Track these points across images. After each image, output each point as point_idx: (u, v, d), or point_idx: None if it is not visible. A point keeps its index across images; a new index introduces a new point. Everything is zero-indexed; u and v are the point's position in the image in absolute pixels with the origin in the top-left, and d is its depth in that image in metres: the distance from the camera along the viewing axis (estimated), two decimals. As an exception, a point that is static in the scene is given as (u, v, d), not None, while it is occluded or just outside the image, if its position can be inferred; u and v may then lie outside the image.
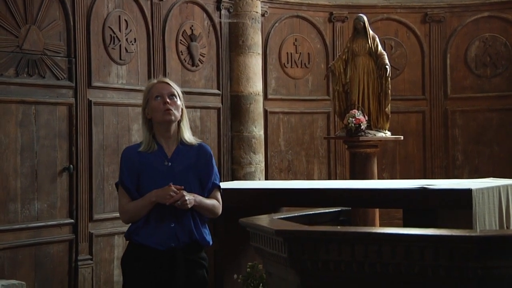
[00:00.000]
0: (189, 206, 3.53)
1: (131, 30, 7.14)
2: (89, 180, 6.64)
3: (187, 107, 7.84)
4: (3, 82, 5.99)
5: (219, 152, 8.02)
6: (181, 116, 3.65)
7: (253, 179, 8.09)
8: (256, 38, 8.33)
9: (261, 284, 4.83)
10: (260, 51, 8.40)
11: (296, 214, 3.79)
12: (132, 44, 7.15)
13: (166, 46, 7.51)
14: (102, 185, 6.78)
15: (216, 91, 8.09)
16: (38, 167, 6.24)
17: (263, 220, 3.64)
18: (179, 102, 3.62)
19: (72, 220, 6.51)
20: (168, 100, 3.57)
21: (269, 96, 8.70)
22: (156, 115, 3.59)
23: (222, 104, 8.13)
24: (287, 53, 8.90)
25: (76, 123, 6.54)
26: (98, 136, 6.76)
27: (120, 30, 7.04)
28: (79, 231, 6.56)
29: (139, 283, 3.57)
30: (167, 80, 3.71)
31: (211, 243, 3.70)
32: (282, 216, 3.69)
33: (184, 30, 7.75)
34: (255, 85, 8.29)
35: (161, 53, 7.43)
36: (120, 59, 7.04)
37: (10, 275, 5.89)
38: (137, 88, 7.15)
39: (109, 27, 6.93)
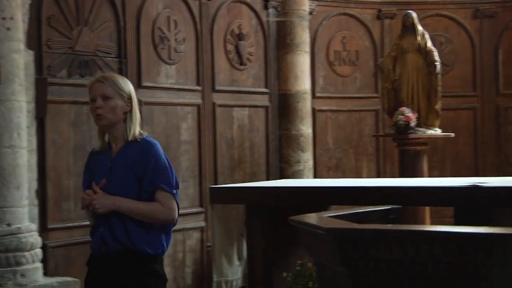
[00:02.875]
0: (101, 210, 3.25)
1: (180, 30, 7.20)
2: (138, 179, 6.72)
3: (235, 106, 7.93)
4: (56, 83, 6.10)
5: (268, 150, 8.04)
6: (130, 112, 3.35)
7: (302, 178, 8.09)
8: (303, 36, 8.32)
9: (310, 283, 4.83)
10: (307, 49, 8.39)
11: (345, 212, 3.78)
12: (181, 44, 7.21)
13: (214, 45, 7.56)
14: (153, 184, 6.85)
15: (264, 90, 8.11)
16: (90, 167, 6.34)
17: (313, 218, 3.61)
18: (114, 102, 3.29)
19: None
20: (98, 104, 3.29)
21: (317, 94, 8.68)
22: (93, 118, 3.39)
23: (270, 102, 8.14)
24: (335, 51, 8.87)
25: (127, 123, 6.62)
26: (148, 135, 6.81)
27: (169, 30, 7.10)
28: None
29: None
30: (104, 78, 3.36)
31: (153, 252, 3.29)
32: (332, 214, 3.68)
33: (232, 29, 7.78)
34: (303, 83, 8.29)
35: (209, 53, 7.48)
36: (169, 59, 7.11)
37: (64, 272, 6.00)
38: (186, 87, 7.23)
39: (158, 27, 7.01)
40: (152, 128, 6.89)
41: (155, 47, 6.97)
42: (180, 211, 7.11)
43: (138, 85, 6.75)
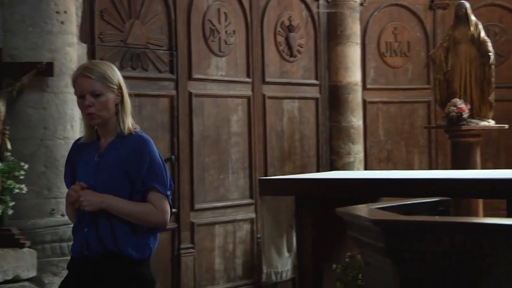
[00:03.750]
0: (88, 208, 3.00)
1: (230, 23, 7.24)
2: (190, 170, 6.80)
3: (285, 98, 7.93)
4: (108, 76, 6.19)
5: (318, 142, 8.03)
6: (121, 102, 3.11)
7: (352, 170, 8.06)
8: (354, 28, 8.27)
9: (360, 274, 4.82)
10: (358, 40, 8.34)
11: (393, 204, 3.76)
12: (231, 36, 7.25)
13: (265, 37, 7.57)
14: (203, 175, 6.92)
15: (314, 82, 8.09)
16: (142, 158, 6.43)
17: (360, 209, 3.60)
18: (106, 98, 3.05)
19: (175, 210, 6.68)
20: (88, 102, 3.04)
21: (368, 86, 8.62)
22: (82, 116, 3.16)
23: (320, 94, 8.12)
24: (386, 42, 8.79)
25: (178, 115, 6.71)
26: (199, 127, 6.90)
27: (219, 23, 7.15)
28: (181, 220, 6.73)
29: None
30: (90, 71, 3.07)
31: (140, 256, 3.06)
32: (379, 206, 3.67)
33: (282, 21, 7.78)
34: (354, 75, 8.24)
35: (259, 45, 7.50)
36: (220, 51, 7.15)
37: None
38: (236, 79, 7.26)
39: (208, 20, 7.05)
40: (203, 120, 6.95)
41: (205, 39, 7.02)
42: (231, 203, 7.20)
43: (188, 77, 6.82)
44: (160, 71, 6.62)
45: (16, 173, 5.14)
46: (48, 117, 5.45)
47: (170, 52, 6.70)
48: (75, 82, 3.11)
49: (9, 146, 5.26)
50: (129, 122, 3.12)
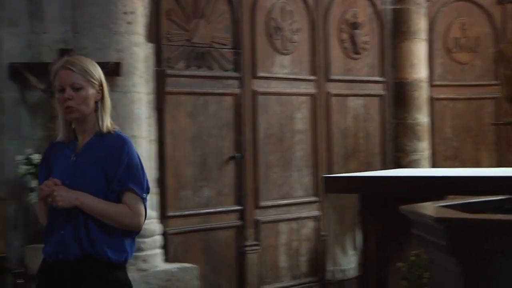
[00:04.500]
0: (61, 204, 2.84)
1: (294, 21, 7.25)
2: (254, 168, 6.84)
3: (350, 95, 7.90)
4: (174, 75, 6.29)
5: (383, 140, 7.97)
6: (101, 100, 2.98)
7: (418, 167, 7.96)
8: (420, 24, 8.17)
9: (425, 273, 4.78)
10: (424, 36, 8.23)
11: (458, 202, 3.72)
12: (296, 34, 7.26)
13: (329, 35, 7.55)
14: (267, 173, 6.96)
15: (379, 79, 8.03)
16: (207, 156, 6.52)
17: (424, 207, 3.57)
18: (86, 92, 2.93)
19: (240, 207, 6.74)
20: (68, 95, 2.91)
21: (434, 82, 8.49)
22: (60, 110, 2.99)
23: (385, 91, 8.06)
24: (453, 38, 8.65)
25: (242, 113, 6.76)
26: (263, 125, 6.94)
27: (284, 21, 7.16)
28: (246, 218, 6.78)
29: None
30: (72, 63, 2.95)
31: (117, 258, 2.92)
32: (444, 204, 3.63)
33: (347, 18, 7.75)
34: (420, 71, 8.14)
35: (323, 42, 7.49)
36: (284, 49, 7.17)
37: (183, 258, 6.20)
38: (301, 77, 7.27)
39: (273, 18, 7.08)
40: (267, 118, 6.98)
41: (269, 37, 7.05)
42: (295, 200, 7.22)
43: (253, 76, 6.87)
44: (225, 70, 6.68)
45: (85, 171, 5.25)
46: (116, 116, 5.49)
47: (234, 51, 6.75)
48: (56, 74, 2.97)
49: (78, 144, 5.38)
50: (108, 121, 2.99)
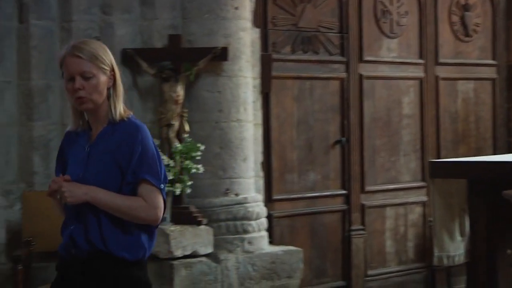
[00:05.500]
0: (70, 200, 2.71)
1: (402, 3, 7.13)
2: (360, 152, 6.81)
3: (459, 79, 7.71)
4: (280, 59, 6.33)
5: (494, 124, 7.74)
6: (113, 86, 2.82)
7: (532, 153, 7.70)
8: (535, 4, 7.87)
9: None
10: (540, 17, 7.93)
11: None
12: (404, 17, 7.14)
13: (438, 17, 7.38)
14: (373, 158, 6.91)
15: (491, 62, 7.79)
16: (313, 140, 6.54)
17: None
18: (97, 80, 2.75)
19: (345, 191, 6.72)
20: (79, 85, 2.74)
21: (550, 65, 8.17)
22: (70, 100, 2.83)
23: (497, 75, 7.81)
24: None
25: (348, 97, 6.73)
26: (369, 109, 6.88)
27: (391, 4, 7.06)
28: (352, 202, 6.76)
29: None
30: (80, 50, 2.77)
31: (132, 257, 2.77)
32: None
33: (457, 0, 7.56)
34: (534, 53, 7.85)
35: (432, 25, 7.33)
36: (391, 32, 7.07)
37: (288, 241, 6.26)
38: (408, 61, 7.16)
39: (380, 1, 6.99)
40: (373, 102, 6.92)
41: (377, 21, 6.97)
42: (402, 185, 7.14)
43: (359, 60, 6.82)
44: (331, 54, 6.66)
45: (193, 154, 5.38)
46: (223, 100, 5.66)
47: (341, 35, 6.72)
48: (63, 62, 2.79)
49: (187, 128, 5.52)
50: (121, 108, 2.82)
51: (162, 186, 2.80)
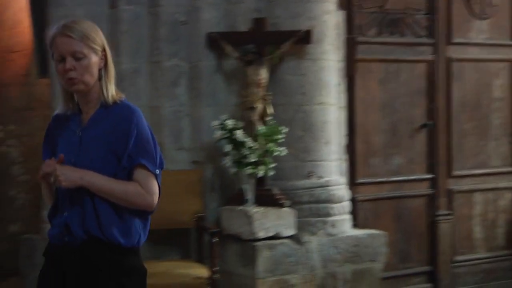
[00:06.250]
0: (65, 184, 2.61)
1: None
2: (447, 136, 6.68)
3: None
4: (365, 42, 6.27)
5: None
6: (105, 67, 2.73)
7: None
8: None
9: None
10: None
11: None
12: (495, -2, 6.95)
13: (532, -3, 7.14)
14: (461, 142, 6.77)
15: None
16: (398, 123, 6.47)
17: None
18: (88, 61, 2.67)
19: (431, 175, 6.63)
20: (70, 66, 2.64)
21: None
22: (61, 81, 2.73)
23: None
24: None
25: (435, 80, 6.61)
26: (458, 92, 6.74)
27: (482, -16, 6.88)
28: (438, 187, 6.66)
29: (38, 284, 2.82)
30: (70, 29, 2.66)
31: (128, 243, 2.71)
32: None
33: (553, -22, 7.28)
34: None
35: (525, 6, 7.10)
36: (483, 13, 6.88)
37: (372, 225, 6.23)
38: (500, 42, 6.97)
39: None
40: (462, 85, 6.77)
41: (467, 2, 6.80)
42: (492, 170, 6.98)
43: (447, 42, 6.68)
44: (418, 36, 6.55)
45: (276, 137, 5.42)
46: (306, 83, 5.67)
47: (428, 16, 6.59)
48: (52, 42, 2.68)
49: (270, 111, 5.56)
50: (113, 90, 2.73)
51: (157, 171, 2.73)
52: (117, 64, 5.42)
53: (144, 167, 2.69)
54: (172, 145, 5.60)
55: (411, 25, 6.50)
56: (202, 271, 5.08)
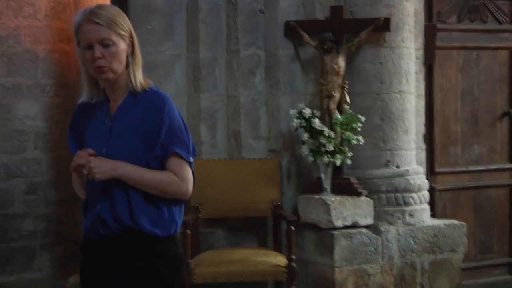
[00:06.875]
0: (98, 176, 2.54)
1: None
2: (529, 124, 6.52)
3: None
4: (445, 29, 6.16)
5: None
6: (132, 53, 2.64)
7: None
8: None
9: None
10: None
11: None
12: None
13: None
14: (546, 131, 6.58)
15: None
16: (478, 112, 6.34)
17: None
18: (117, 48, 2.58)
19: (515, 166, 6.49)
20: (98, 54, 2.55)
21: None
22: (89, 70, 2.63)
23: None
24: None
25: (517, 67, 6.46)
26: (542, 80, 6.56)
27: None
28: (521, 177, 6.51)
29: (81, 278, 2.78)
30: (97, 15, 2.57)
31: (164, 233, 2.65)
32: None
33: None
34: None
35: None
36: None
37: (451, 215, 6.14)
38: None
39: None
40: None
41: (551, -13, 6.61)
42: None
43: (529, 29, 6.51)
44: (500, 23, 6.39)
45: (354, 126, 5.38)
46: (384, 72, 5.61)
47: (511, 3, 6.43)
48: (78, 29, 2.59)
49: (348, 99, 5.52)
50: (141, 76, 2.65)
51: (191, 159, 2.67)
52: (195, 53, 5.58)
53: (178, 155, 2.63)
54: (249, 134, 5.62)
55: (493, 11, 6.35)
56: (279, 259, 5.10)
